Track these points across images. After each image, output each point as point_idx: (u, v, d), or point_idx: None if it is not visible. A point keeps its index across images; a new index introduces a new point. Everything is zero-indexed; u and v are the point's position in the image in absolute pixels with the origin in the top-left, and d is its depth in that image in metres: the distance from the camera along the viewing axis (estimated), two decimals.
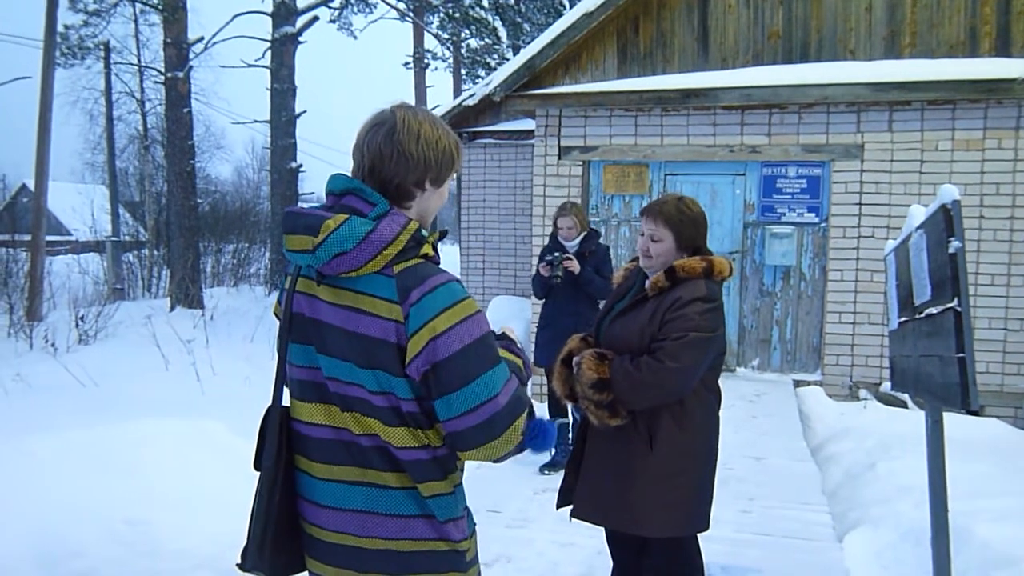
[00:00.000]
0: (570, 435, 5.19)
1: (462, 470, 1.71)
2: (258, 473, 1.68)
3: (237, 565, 1.69)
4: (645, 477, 2.53)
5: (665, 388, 2.47)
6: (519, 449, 1.61)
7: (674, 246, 2.66)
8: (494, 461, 1.61)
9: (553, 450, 4.99)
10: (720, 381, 2.74)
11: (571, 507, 2.73)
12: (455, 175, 1.75)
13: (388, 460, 1.57)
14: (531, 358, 5.31)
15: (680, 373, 2.44)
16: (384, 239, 1.51)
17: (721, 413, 2.75)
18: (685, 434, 2.55)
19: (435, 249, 1.64)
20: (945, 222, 2.51)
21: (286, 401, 1.70)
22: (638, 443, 2.54)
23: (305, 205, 1.68)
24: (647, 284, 2.61)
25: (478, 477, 5.07)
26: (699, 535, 2.69)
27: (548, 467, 5.20)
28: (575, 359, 2.60)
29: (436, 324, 1.49)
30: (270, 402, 1.68)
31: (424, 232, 1.58)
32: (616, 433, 2.55)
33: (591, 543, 3.83)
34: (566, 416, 5.24)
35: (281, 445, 1.65)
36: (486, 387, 1.52)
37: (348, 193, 1.61)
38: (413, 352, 1.49)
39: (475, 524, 1.76)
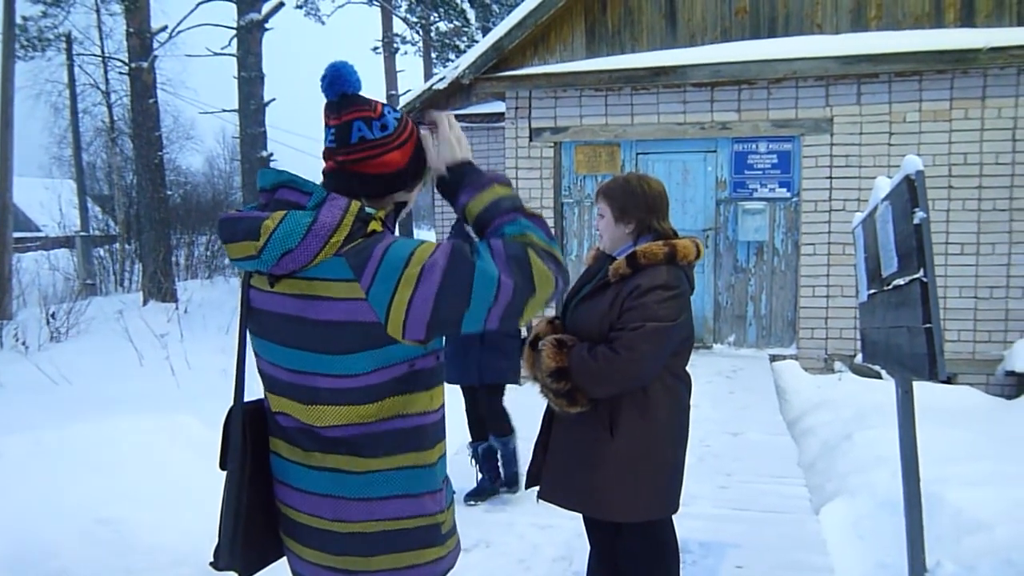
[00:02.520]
0: (498, 461, 4.67)
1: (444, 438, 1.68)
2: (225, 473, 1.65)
3: (210, 564, 1.67)
4: (608, 464, 2.52)
5: (622, 378, 2.44)
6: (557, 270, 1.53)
7: (612, 219, 2.63)
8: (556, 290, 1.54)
9: (479, 476, 4.65)
10: (697, 358, 2.71)
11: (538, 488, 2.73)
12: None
13: (350, 445, 1.54)
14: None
15: (637, 364, 2.42)
16: (328, 227, 1.45)
17: (698, 389, 2.72)
18: (647, 421, 2.53)
19: (385, 223, 1.58)
20: (909, 193, 2.52)
21: (251, 395, 1.67)
22: (600, 430, 2.53)
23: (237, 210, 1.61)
24: (609, 270, 2.58)
25: (456, 462, 5.06)
26: (676, 513, 2.70)
27: (474, 495, 4.59)
28: (539, 344, 2.58)
29: (404, 283, 1.43)
30: (232, 402, 1.64)
31: (369, 209, 1.53)
32: (579, 420, 2.54)
33: (571, 524, 3.83)
34: (487, 440, 4.69)
35: (245, 446, 1.61)
36: (484, 283, 1.44)
37: (280, 187, 1.56)
38: (397, 323, 1.44)
39: (454, 493, 1.75)
